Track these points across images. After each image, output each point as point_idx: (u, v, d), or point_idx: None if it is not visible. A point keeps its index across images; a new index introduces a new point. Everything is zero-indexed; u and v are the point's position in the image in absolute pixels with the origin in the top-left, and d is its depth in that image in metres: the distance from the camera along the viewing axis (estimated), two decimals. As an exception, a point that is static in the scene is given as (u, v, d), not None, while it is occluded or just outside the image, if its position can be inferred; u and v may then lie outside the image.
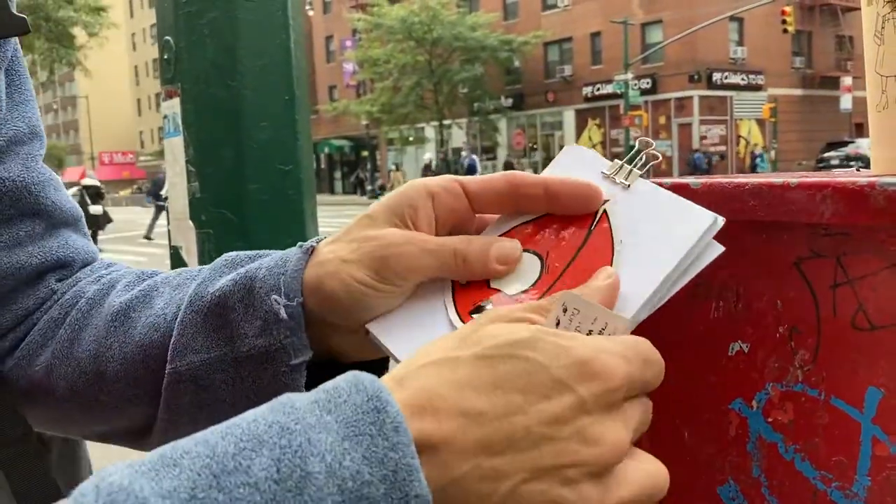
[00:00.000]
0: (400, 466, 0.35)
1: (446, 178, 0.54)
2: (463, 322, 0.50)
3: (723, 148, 29.80)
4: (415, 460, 0.35)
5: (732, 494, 0.60)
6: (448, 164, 27.79)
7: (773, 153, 28.94)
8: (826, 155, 26.09)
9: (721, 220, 0.50)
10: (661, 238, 0.50)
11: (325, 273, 0.52)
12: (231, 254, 0.59)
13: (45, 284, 0.64)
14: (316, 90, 43.98)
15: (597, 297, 0.46)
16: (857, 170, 0.69)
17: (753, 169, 26.97)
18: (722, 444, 0.60)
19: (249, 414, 0.37)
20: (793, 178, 0.54)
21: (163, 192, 13.63)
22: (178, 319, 0.56)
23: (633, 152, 0.54)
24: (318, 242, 0.55)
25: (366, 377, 0.38)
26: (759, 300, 0.57)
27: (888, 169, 0.58)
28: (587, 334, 0.43)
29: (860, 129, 28.92)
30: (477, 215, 0.56)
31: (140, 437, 0.61)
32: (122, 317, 0.59)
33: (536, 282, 0.51)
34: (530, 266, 0.52)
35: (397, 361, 0.50)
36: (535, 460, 0.38)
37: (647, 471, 0.42)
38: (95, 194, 15.16)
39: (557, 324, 0.43)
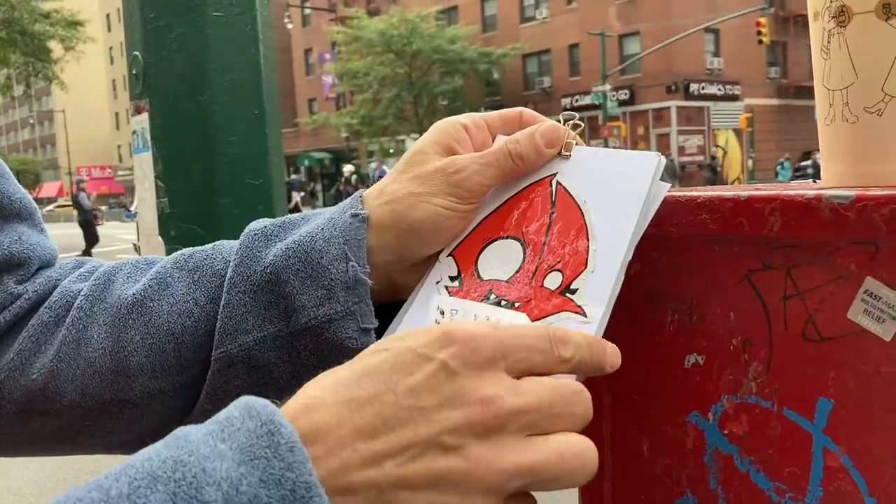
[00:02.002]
0: (298, 485, 0.35)
1: (471, 115, 0.60)
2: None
3: (700, 158, 30.04)
4: (312, 477, 0.35)
5: (691, 507, 0.60)
6: (361, 176, 28.19)
7: (750, 163, 29.22)
8: (803, 164, 26.40)
9: (664, 159, 0.54)
10: (618, 187, 0.53)
11: (404, 207, 0.56)
12: (256, 226, 0.59)
13: (3, 288, 0.60)
14: (295, 103, 43.93)
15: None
16: (814, 181, 0.69)
17: (775, 176, 27.07)
18: (680, 456, 0.60)
19: (144, 452, 0.36)
20: (743, 191, 0.54)
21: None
22: (223, 303, 0.56)
23: (561, 125, 0.59)
24: (361, 197, 0.58)
25: (258, 403, 0.38)
26: (712, 312, 0.57)
27: (837, 181, 0.59)
28: None
29: (835, 138, 29.08)
30: None
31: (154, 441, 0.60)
32: (139, 308, 0.57)
33: (523, 261, 0.54)
34: (513, 250, 0.55)
35: None
36: (410, 436, 0.37)
37: (568, 441, 0.40)
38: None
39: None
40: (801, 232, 0.51)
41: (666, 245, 0.59)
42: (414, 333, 0.41)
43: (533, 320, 0.50)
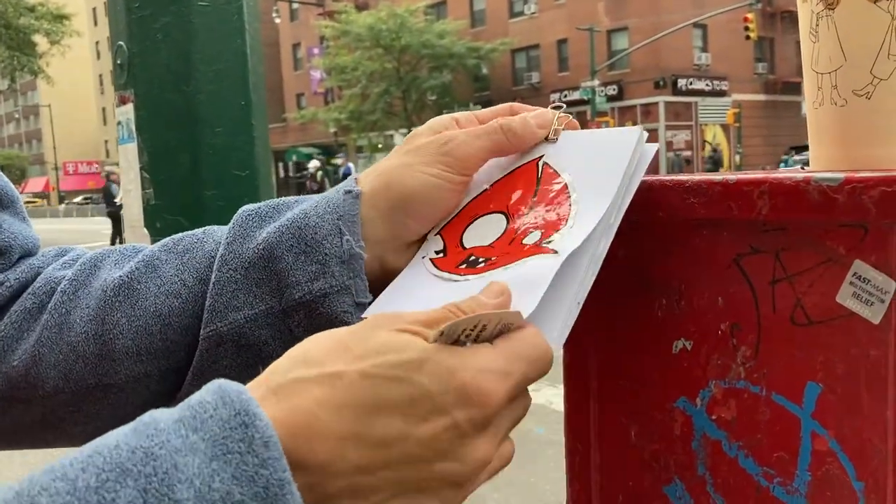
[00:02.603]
0: (271, 482, 0.34)
1: (463, 112, 0.61)
2: (449, 274, 0.54)
3: (689, 153, 30.14)
4: (286, 474, 0.34)
5: (679, 493, 0.60)
6: (327, 172, 28.16)
7: (738, 158, 29.34)
8: (794, 159, 26.55)
9: (646, 132, 0.56)
10: (601, 158, 0.55)
11: (395, 176, 0.56)
12: (248, 209, 0.58)
13: None
14: (284, 98, 43.75)
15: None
16: (803, 167, 0.69)
17: (779, 172, 27.11)
18: (668, 442, 0.60)
19: (111, 438, 0.35)
20: (731, 175, 0.54)
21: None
22: (213, 281, 0.55)
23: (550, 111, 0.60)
24: (356, 179, 0.57)
25: (232, 389, 0.36)
26: (700, 297, 0.57)
27: (826, 165, 0.59)
28: (476, 338, 0.42)
29: (822, 134, 29.22)
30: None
31: None
32: (125, 290, 0.57)
33: (506, 228, 0.55)
34: (497, 222, 0.56)
35: None
36: (404, 477, 0.39)
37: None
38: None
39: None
40: (789, 215, 0.51)
41: (654, 230, 0.58)
42: (431, 368, 0.39)
43: (503, 265, 0.52)
